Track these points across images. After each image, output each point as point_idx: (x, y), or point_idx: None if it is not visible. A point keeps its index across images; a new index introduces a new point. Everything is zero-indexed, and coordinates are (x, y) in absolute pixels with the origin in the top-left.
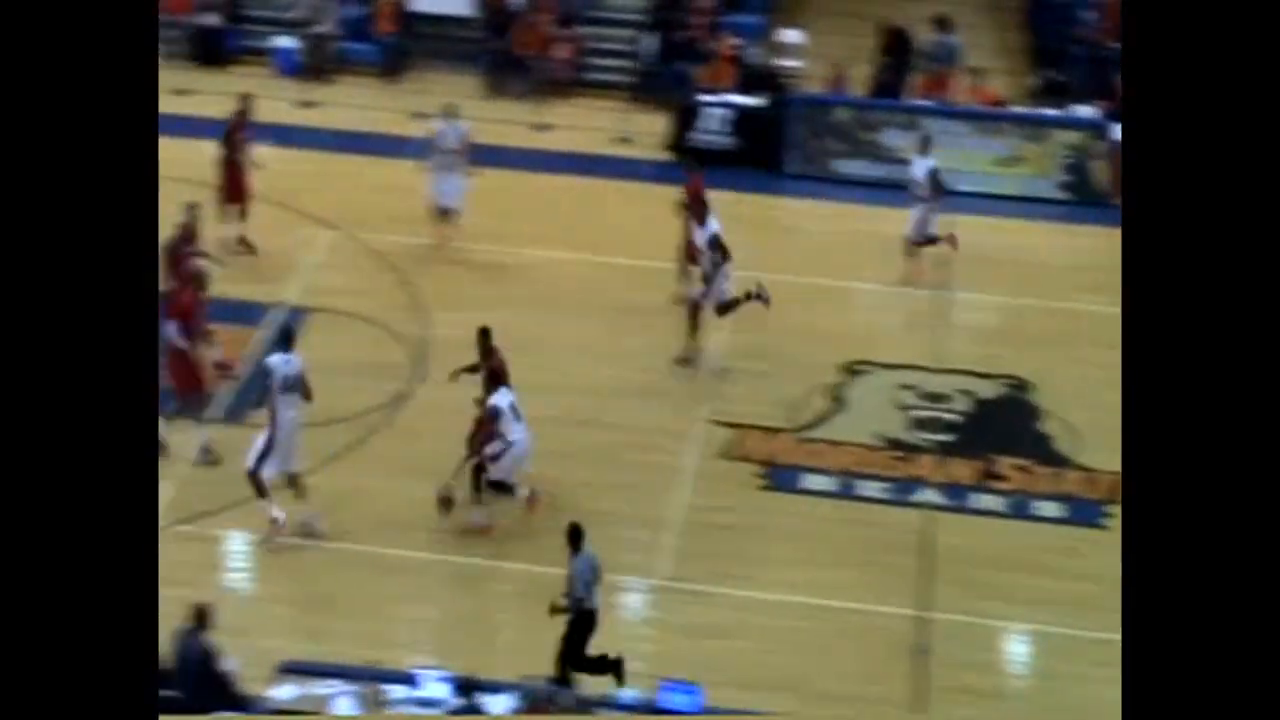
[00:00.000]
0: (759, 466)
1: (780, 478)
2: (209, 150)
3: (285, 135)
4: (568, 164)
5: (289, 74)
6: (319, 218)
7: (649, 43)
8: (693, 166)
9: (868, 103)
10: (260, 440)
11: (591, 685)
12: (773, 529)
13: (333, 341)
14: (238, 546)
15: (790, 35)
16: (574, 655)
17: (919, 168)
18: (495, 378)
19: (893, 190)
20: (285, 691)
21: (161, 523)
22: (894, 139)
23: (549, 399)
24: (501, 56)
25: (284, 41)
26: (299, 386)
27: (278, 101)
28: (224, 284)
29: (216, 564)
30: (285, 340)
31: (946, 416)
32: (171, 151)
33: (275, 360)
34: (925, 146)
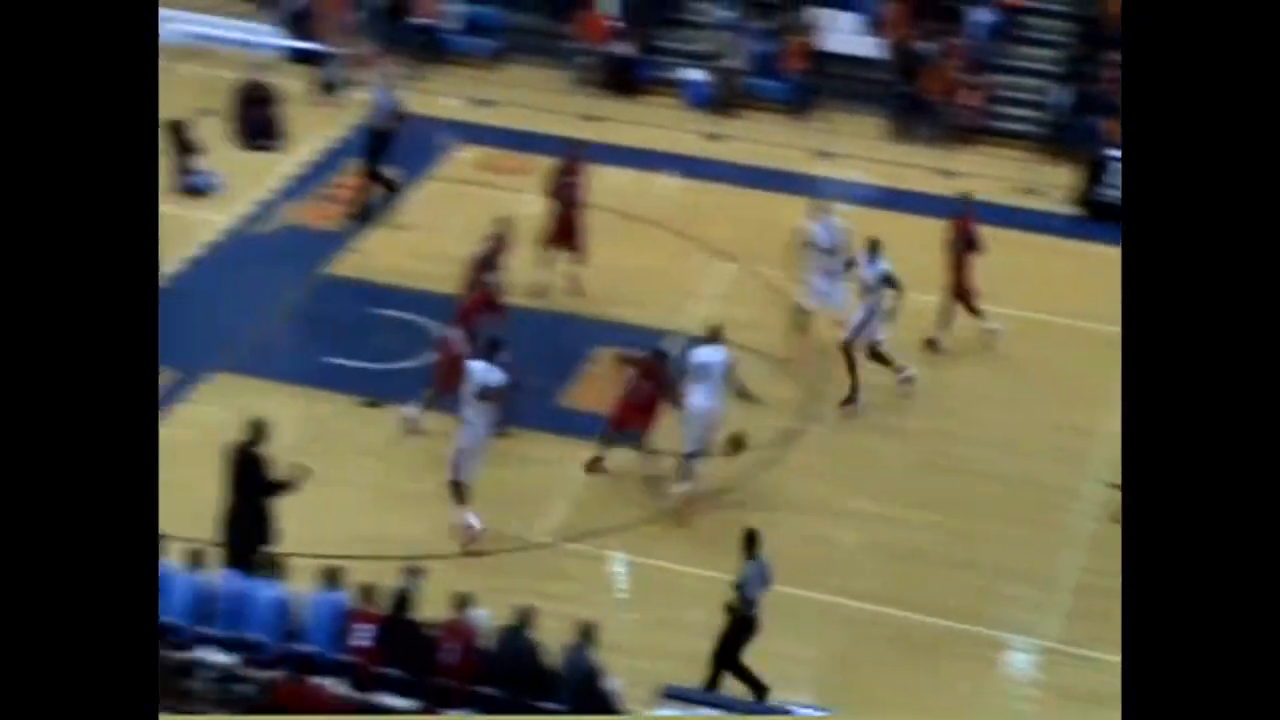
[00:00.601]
0: None
1: None
2: (615, 177)
3: (691, 166)
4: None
5: (697, 106)
6: (720, 249)
7: (1061, 94)
8: (967, 205)
9: None
10: (454, 449)
11: (731, 688)
12: None
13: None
14: (625, 566)
15: None
16: (726, 656)
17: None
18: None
19: None
20: (665, 716)
21: (550, 539)
22: None
23: (949, 448)
24: (909, 100)
25: (694, 74)
26: (494, 398)
27: (685, 133)
28: (623, 309)
29: (603, 582)
30: (492, 349)
31: None
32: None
33: (477, 366)
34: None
